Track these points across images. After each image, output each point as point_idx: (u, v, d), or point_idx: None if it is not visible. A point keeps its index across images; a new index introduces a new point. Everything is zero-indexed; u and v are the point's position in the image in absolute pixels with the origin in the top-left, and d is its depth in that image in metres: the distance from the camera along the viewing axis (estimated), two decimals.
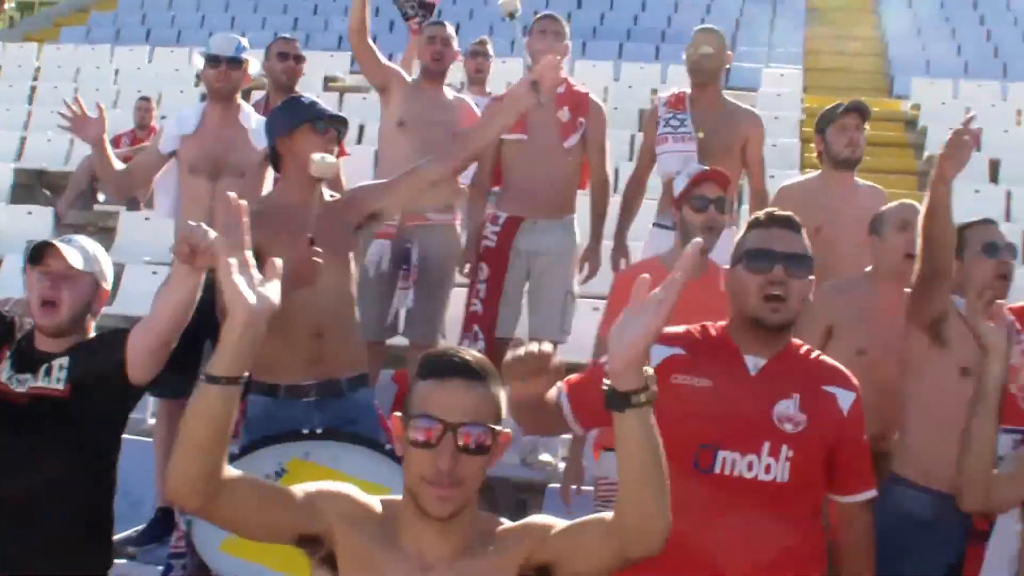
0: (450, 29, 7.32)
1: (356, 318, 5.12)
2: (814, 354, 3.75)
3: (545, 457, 6.91)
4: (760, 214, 3.80)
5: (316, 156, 4.74)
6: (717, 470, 3.53)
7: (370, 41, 6.91)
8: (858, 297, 5.09)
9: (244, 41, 6.59)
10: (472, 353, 2.80)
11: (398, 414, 2.80)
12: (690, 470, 3.51)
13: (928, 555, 4.44)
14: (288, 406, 4.85)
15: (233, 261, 2.66)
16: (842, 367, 3.74)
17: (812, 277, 3.71)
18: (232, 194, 2.76)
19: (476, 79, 9.22)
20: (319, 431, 4.67)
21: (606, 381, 2.63)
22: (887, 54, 18.97)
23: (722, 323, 3.74)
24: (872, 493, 3.77)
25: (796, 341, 3.75)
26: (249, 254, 2.69)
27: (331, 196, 5.04)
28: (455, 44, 7.34)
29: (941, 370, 4.56)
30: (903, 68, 17.82)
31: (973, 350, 4.39)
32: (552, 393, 3.63)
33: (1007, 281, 4.59)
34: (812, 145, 13.38)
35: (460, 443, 2.70)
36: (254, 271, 2.68)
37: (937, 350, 4.57)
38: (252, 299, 2.63)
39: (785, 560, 3.53)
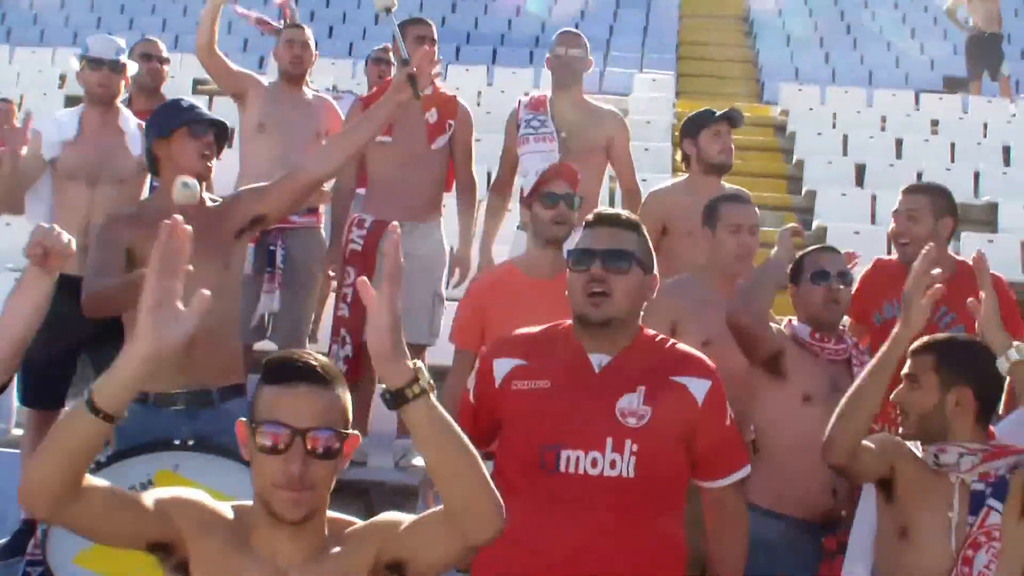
0: (309, 32, 7.27)
1: (235, 326, 5.03)
2: (669, 343, 3.78)
3: (419, 461, 6.84)
4: (590, 216, 3.83)
5: (178, 183, 4.63)
6: (562, 469, 3.54)
7: (219, 52, 6.87)
8: (697, 290, 5.14)
9: (122, 42, 6.45)
10: (317, 357, 2.80)
11: (243, 419, 2.78)
12: (537, 471, 3.54)
13: None
14: (157, 414, 4.73)
15: (160, 289, 2.58)
16: (698, 354, 3.78)
17: (654, 273, 3.76)
18: (179, 217, 2.66)
19: (377, 85, 9.16)
20: (191, 442, 4.59)
21: (380, 385, 2.67)
22: (757, 61, 19.17)
23: (570, 323, 3.76)
24: (741, 474, 3.81)
25: (649, 332, 3.78)
26: (180, 285, 2.61)
27: (212, 200, 4.96)
28: (313, 47, 7.32)
29: (783, 399, 4.66)
30: (773, 75, 18.04)
31: (814, 377, 4.48)
32: None
33: (838, 306, 4.70)
34: None
35: (309, 448, 2.70)
36: (179, 304, 2.60)
37: (778, 381, 4.67)
38: (163, 336, 2.56)
39: (635, 557, 3.54)
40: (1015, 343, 3.78)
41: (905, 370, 3.93)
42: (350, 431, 2.80)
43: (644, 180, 11.78)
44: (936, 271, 3.84)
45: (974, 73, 16.40)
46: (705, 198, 6.09)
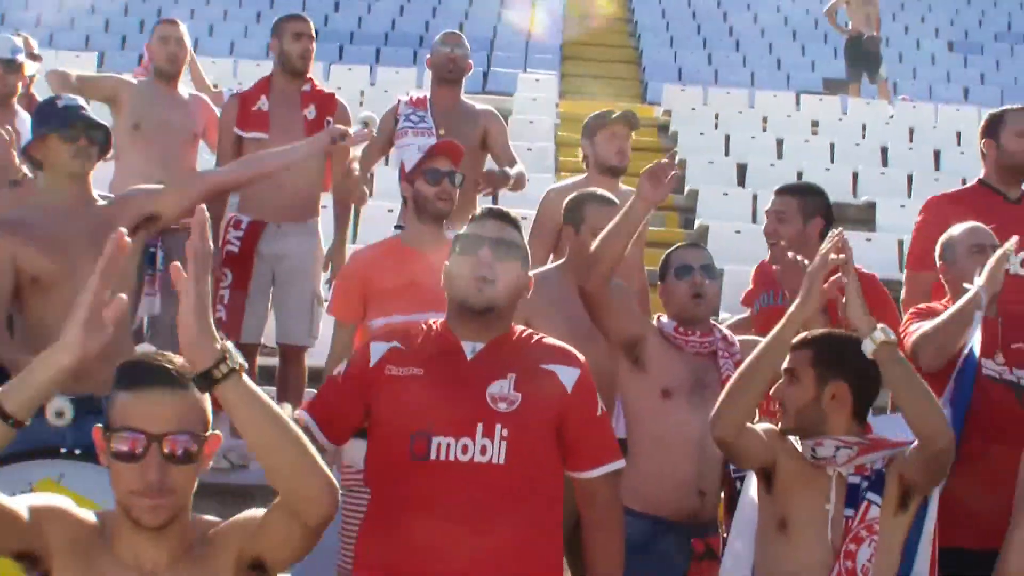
0: (183, 28, 7.15)
1: (128, 331, 4.94)
2: (536, 337, 3.79)
3: None
4: (477, 210, 3.91)
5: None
6: (433, 456, 3.51)
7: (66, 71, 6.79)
8: (551, 288, 5.07)
9: (19, 41, 6.28)
10: (171, 358, 2.75)
11: (99, 426, 2.74)
12: (407, 460, 3.52)
13: None
14: (41, 421, 4.55)
15: (94, 298, 2.58)
16: (566, 346, 3.79)
17: (530, 275, 3.80)
18: (123, 229, 2.65)
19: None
20: (78, 451, 4.46)
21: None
22: (641, 62, 19.28)
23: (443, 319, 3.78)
24: (613, 466, 3.78)
25: (519, 327, 3.80)
26: (107, 294, 2.60)
27: (103, 198, 4.89)
28: (189, 44, 7.23)
29: (643, 393, 4.65)
30: (656, 75, 18.17)
31: (676, 371, 4.48)
32: (300, 417, 3.59)
33: (703, 300, 4.69)
34: (568, 150, 13.65)
35: (165, 453, 2.67)
36: (107, 313, 2.60)
37: (638, 373, 4.65)
38: (89, 346, 2.57)
39: (507, 545, 3.52)
40: (879, 325, 3.83)
41: (784, 365, 3.96)
42: (209, 433, 2.78)
43: (528, 180, 11.94)
44: (842, 256, 3.92)
45: (853, 75, 16.64)
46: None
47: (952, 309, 4.66)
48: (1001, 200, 5.78)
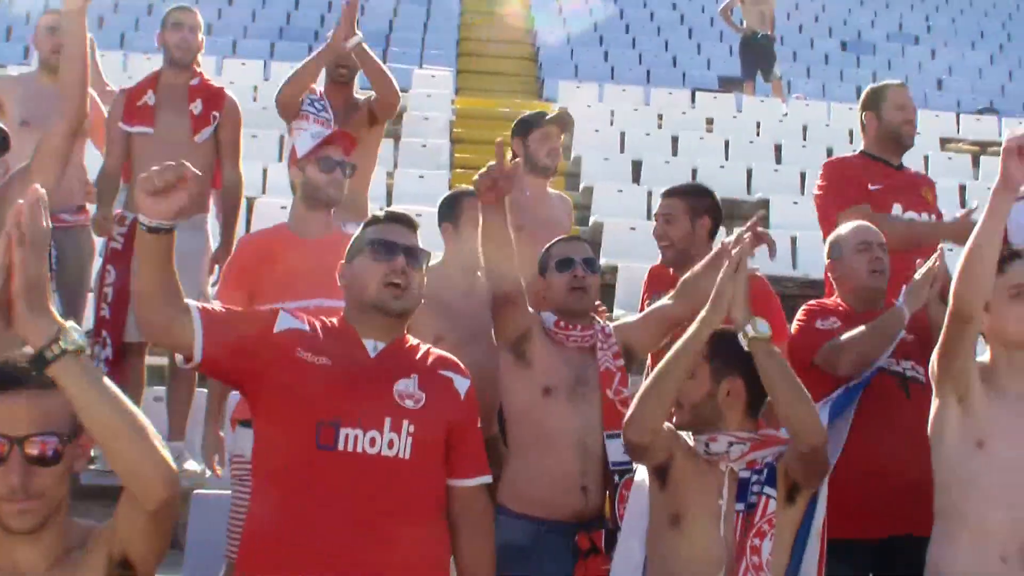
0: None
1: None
2: (424, 347, 3.86)
3: (191, 465, 6.63)
4: (379, 213, 3.93)
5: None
6: (340, 447, 3.55)
7: None
8: (432, 287, 5.05)
9: None
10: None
11: None
12: (313, 449, 3.53)
13: None
14: None
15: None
16: (452, 356, 3.89)
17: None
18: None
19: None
20: None
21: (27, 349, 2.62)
22: (537, 58, 19.29)
23: (334, 318, 3.82)
24: (487, 478, 3.88)
25: (407, 336, 3.85)
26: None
27: None
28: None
29: (525, 391, 4.64)
30: (553, 72, 18.17)
31: (557, 369, 4.46)
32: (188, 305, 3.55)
33: (584, 293, 4.69)
34: (464, 146, 13.62)
35: (28, 456, 2.64)
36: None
37: (521, 370, 4.64)
38: None
39: (406, 538, 3.56)
40: (754, 318, 3.86)
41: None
42: (76, 434, 2.75)
43: (421, 177, 11.90)
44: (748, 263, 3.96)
45: (748, 73, 16.77)
46: (533, 198, 6.17)
47: (877, 322, 4.74)
48: (886, 166, 5.95)
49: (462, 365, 3.87)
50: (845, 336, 4.74)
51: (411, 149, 12.90)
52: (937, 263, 4.83)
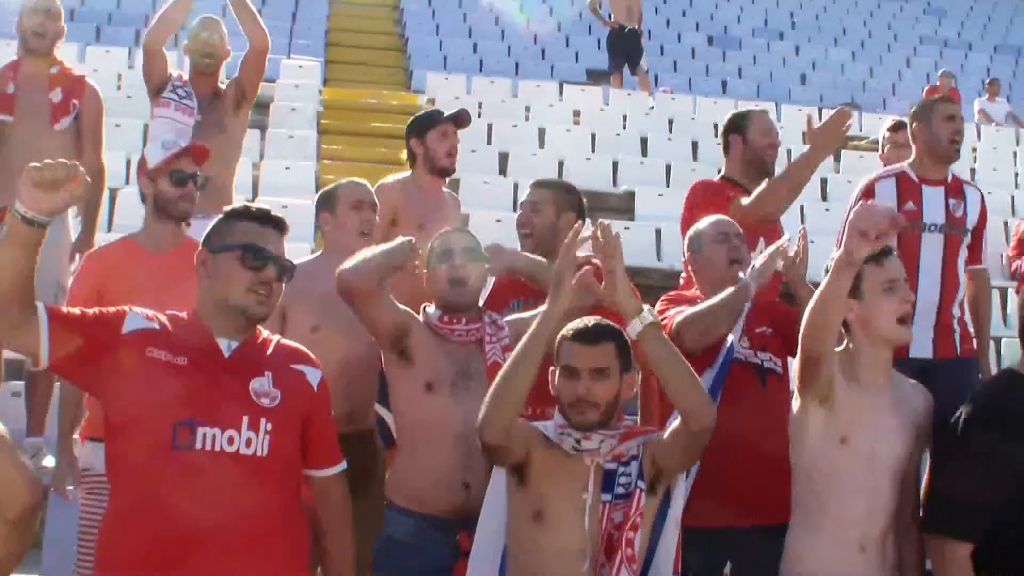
0: None
1: None
2: (275, 339, 3.86)
3: (49, 461, 6.54)
4: (253, 208, 3.87)
5: None
6: (198, 446, 3.54)
7: None
8: (308, 278, 4.98)
9: None
10: None
11: None
12: (167, 449, 3.52)
13: (409, 574, 4.49)
14: None
15: None
16: (304, 348, 3.91)
17: None
18: None
19: None
20: None
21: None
22: (406, 49, 19.23)
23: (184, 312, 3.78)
24: (342, 466, 3.92)
25: (259, 328, 3.83)
26: None
27: None
28: None
29: (408, 388, 4.62)
30: (421, 63, 18.14)
31: (440, 364, 4.48)
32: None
33: (465, 286, 4.67)
34: (332, 137, 13.54)
35: None
36: None
37: (403, 366, 4.62)
38: None
39: (264, 534, 3.58)
40: (645, 307, 3.93)
41: (594, 364, 3.95)
42: None
43: (288, 168, 11.81)
44: (581, 250, 4.00)
45: (615, 67, 16.89)
46: (431, 196, 6.19)
47: (722, 295, 4.76)
48: (745, 193, 5.89)
49: (312, 356, 3.88)
50: (691, 310, 4.77)
51: (278, 140, 12.78)
52: (801, 243, 4.89)
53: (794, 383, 4.16)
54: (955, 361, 5.83)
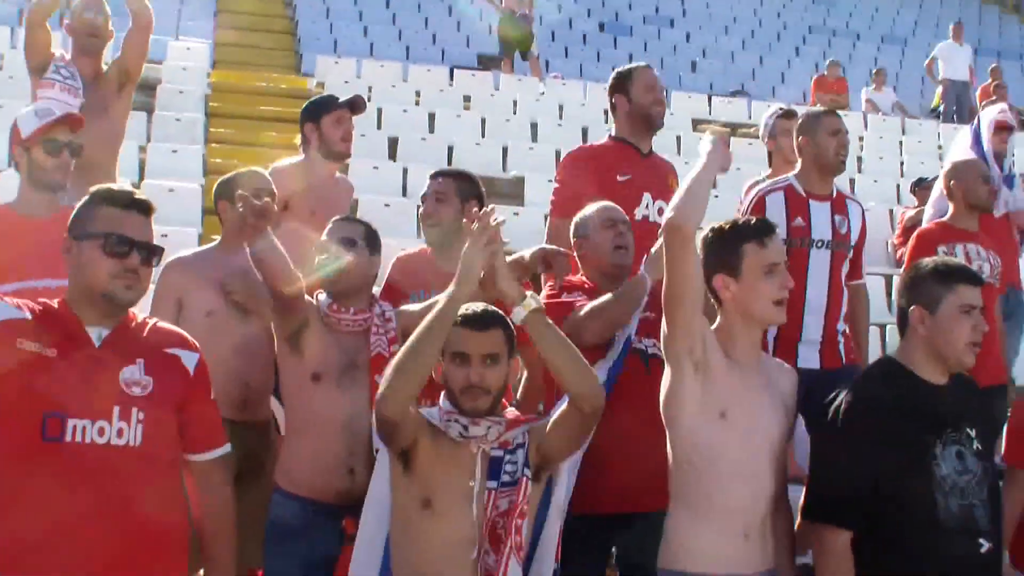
0: None
1: None
2: (151, 323, 3.81)
3: None
4: (115, 190, 3.79)
5: None
6: (68, 438, 3.49)
7: None
8: (205, 264, 5.15)
9: None
10: None
11: None
12: (38, 441, 3.46)
13: (300, 559, 4.49)
14: None
15: None
16: (180, 331, 3.88)
17: None
18: None
19: None
20: None
21: None
22: (296, 32, 19.10)
23: (56, 300, 3.71)
24: (223, 450, 3.87)
25: (132, 312, 3.77)
26: None
27: None
28: None
29: (296, 377, 4.64)
30: (311, 47, 18.02)
31: (328, 354, 4.50)
32: None
33: (347, 273, 4.64)
34: (220, 120, 13.40)
35: None
36: None
37: (293, 357, 4.63)
38: None
39: (139, 524, 3.53)
40: (528, 293, 3.92)
41: (485, 350, 3.96)
42: None
43: (175, 151, 11.67)
44: (492, 236, 3.97)
45: (506, 52, 16.91)
46: (326, 181, 6.17)
47: (621, 288, 4.81)
48: (636, 154, 6.02)
49: (190, 339, 3.82)
50: (591, 304, 4.79)
51: (165, 123, 12.62)
52: None
53: (664, 342, 4.11)
54: (841, 369, 5.91)
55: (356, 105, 6.38)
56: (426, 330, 3.89)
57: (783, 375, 4.35)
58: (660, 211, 5.83)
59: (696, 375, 4.03)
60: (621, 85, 6.10)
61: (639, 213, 5.79)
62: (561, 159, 6.32)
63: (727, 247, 4.07)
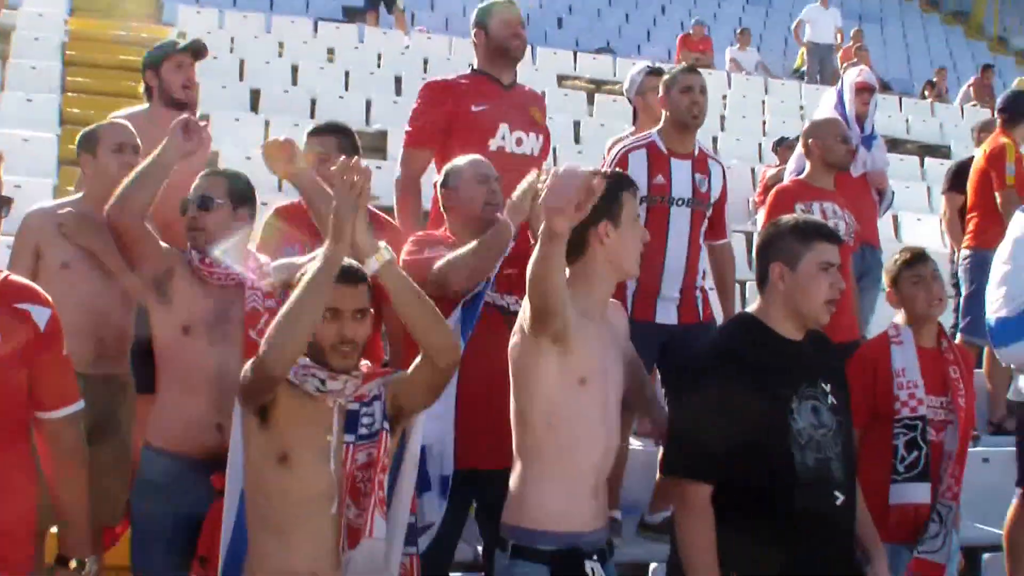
0: None
1: None
2: (3, 275, 3.69)
3: None
4: None
5: None
6: None
7: None
8: (56, 214, 5.02)
9: None
10: None
11: None
12: None
13: (170, 516, 4.45)
14: None
15: None
16: (32, 285, 3.77)
17: None
18: None
19: None
20: None
21: None
22: None
23: None
24: (75, 408, 3.78)
25: None
26: None
27: None
28: None
29: (166, 327, 4.59)
30: None
31: (197, 307, 4.51)
32: None
33: (197, 232, 4.60)
34: (78, 69, 13.12)
35: None
36: None
37: (162, 308, 4.58)
38: None
39: None
40: (381, 244, 3.87)
41: (358, 305, 3.92)
42: None
43: (30, 100, 11.41)
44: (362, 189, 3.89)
45: (371, 5, 16.79)
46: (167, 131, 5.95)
47: (485, 237, 4.76)
48: (495, 86, 6.02)
49: (43, 293, 3.71)
50: (454, 253, 4.76)
51: (20, 70, 12.35)
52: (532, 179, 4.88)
53: (523, 323, 4.09)
54: (698, 324, 5.99)
55: (198, 51, 6.14)
56: (309, 287, 3.77)
57: (616, 313, 4.39)
58: (518, 142, 5.90)
59: (554, 346, 4.00)
60: (479, 20, 6.13)
61: (494, 144, 5.81)
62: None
63: (609, 194, 3.98)
